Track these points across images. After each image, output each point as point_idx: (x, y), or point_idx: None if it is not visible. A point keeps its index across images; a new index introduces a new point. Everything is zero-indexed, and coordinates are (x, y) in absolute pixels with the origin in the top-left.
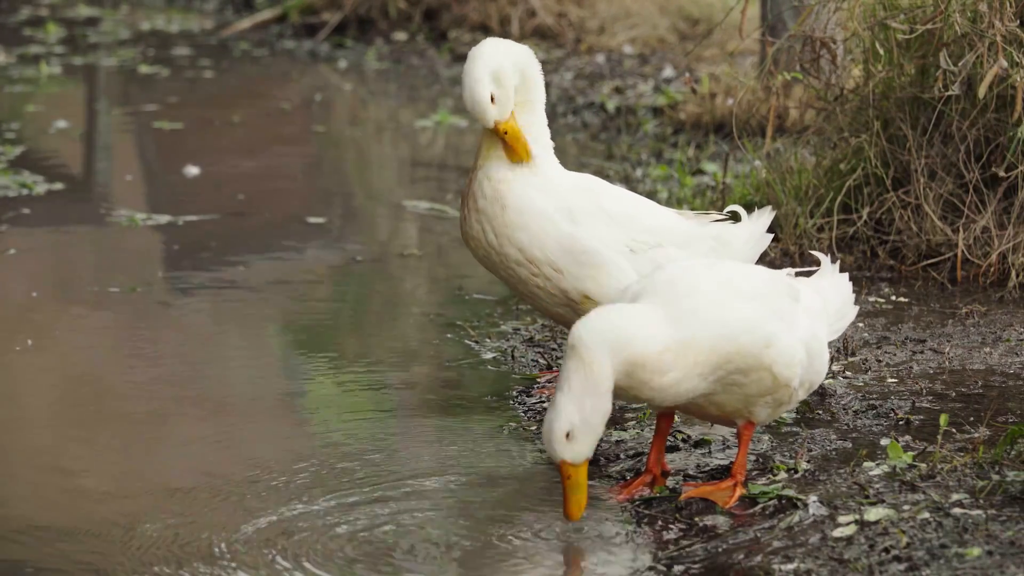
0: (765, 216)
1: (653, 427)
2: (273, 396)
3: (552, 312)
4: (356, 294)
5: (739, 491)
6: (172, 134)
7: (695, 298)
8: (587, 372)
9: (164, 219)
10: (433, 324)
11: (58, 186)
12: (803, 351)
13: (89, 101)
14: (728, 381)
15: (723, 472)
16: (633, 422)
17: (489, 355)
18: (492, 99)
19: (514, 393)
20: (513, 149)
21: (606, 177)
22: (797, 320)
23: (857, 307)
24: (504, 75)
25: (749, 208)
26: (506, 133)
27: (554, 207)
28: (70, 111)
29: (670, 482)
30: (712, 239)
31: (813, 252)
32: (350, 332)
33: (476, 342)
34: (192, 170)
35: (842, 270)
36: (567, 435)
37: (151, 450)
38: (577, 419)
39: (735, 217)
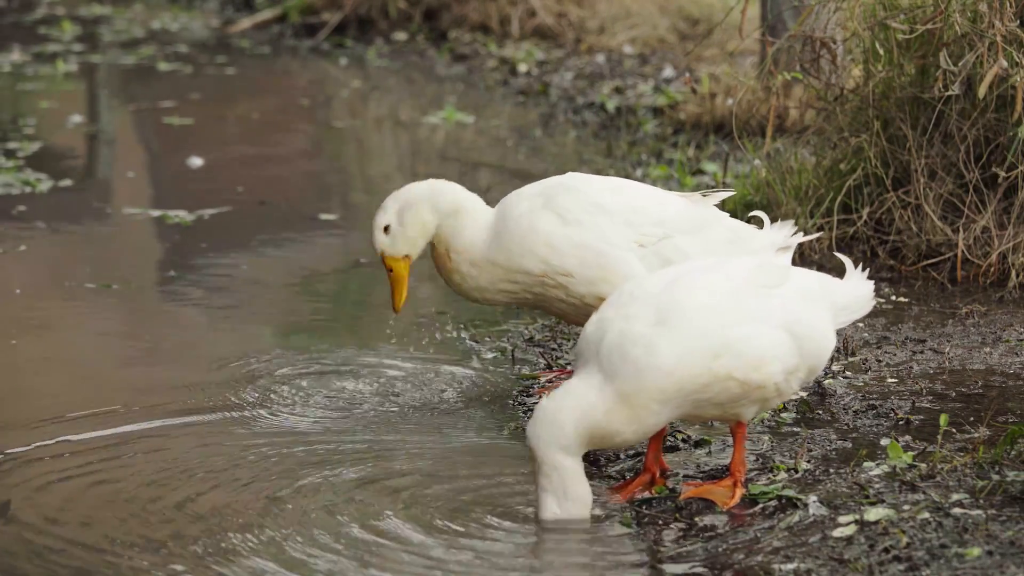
0: (787, 229)
1: None
2: (272, 393)
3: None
4: (356, 293)
5: (739, 491)
6: (183, 129)
7: (624, 347)
8: (555, 474)
9: (164, 214)
10: (433, 323)
11: (67, 182)
12: (780, 342)
13: (99, 98)
14: (691, 400)
15: (723, 472)
16: None
17: (489, 355)
18: (387, 230)
19: (514, 393)
20: (392, 289)
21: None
22: (773, 309)
23: (873, 303)
24: (410, 215)
25: (749, 208)
26: (390, 271)
27: (530, 211)
28: (85, 108)
29: (670, 482)
30: (729, 231)
31: (838, 255)
32: (350, 330)
33: (476, 342)
34: (196, 161)
35: (842, 270)
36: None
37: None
38: (559, 512)
39: (758, 223)
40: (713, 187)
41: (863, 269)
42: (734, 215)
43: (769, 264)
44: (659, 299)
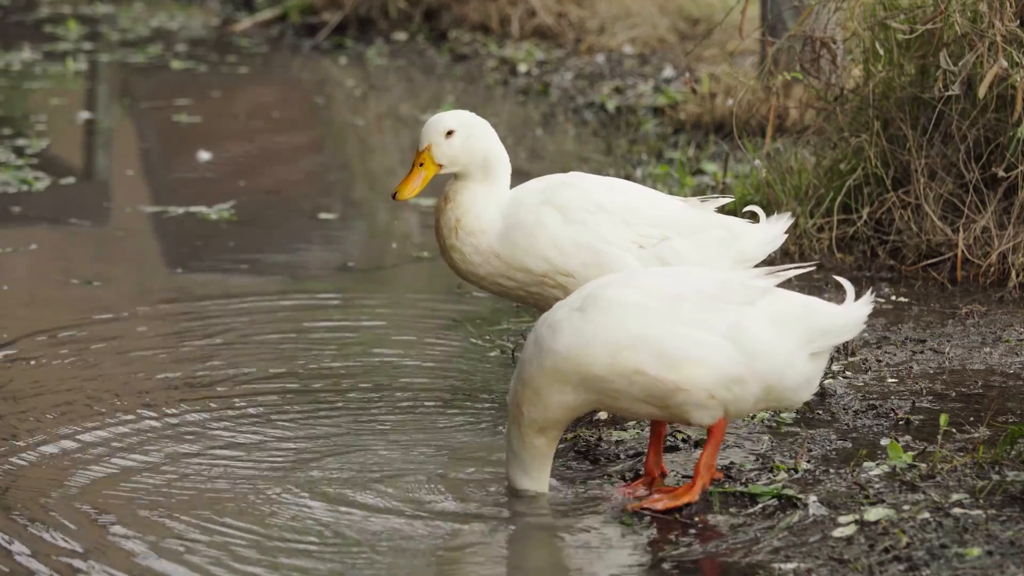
0: (783, 221)
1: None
2: (275, 391)
3: None
4: (358, 292)
5: (688, 496)
6: (191, 126)
7: (538, 329)
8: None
9: (177, 210)
10: (434, 321)
11: (70, 179)
12: (714, 348)
13: (101, 97)
14: (602, 390)
15: (721, 473)
16: (633, 422)
17: (491, 353)
18: (450, 134)
19: None
20: (408, 176)
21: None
22: (717, 320)
23: (862, 327)
24: (474, 140)
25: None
26: (420, 164)
27: (536, 207)
28: (93, 105)
29: (668, 482)
30: (723, 229)
31: (839, 279)
32: (350, 329)
33: (477, 339)
34: (204, 155)
35: (842, 270)
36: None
37: None
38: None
39: (753, 217)
40: (713, 187)
41: (871, 290)
42: (734, 216)
43: (740, 283)
44: (593, 291)
